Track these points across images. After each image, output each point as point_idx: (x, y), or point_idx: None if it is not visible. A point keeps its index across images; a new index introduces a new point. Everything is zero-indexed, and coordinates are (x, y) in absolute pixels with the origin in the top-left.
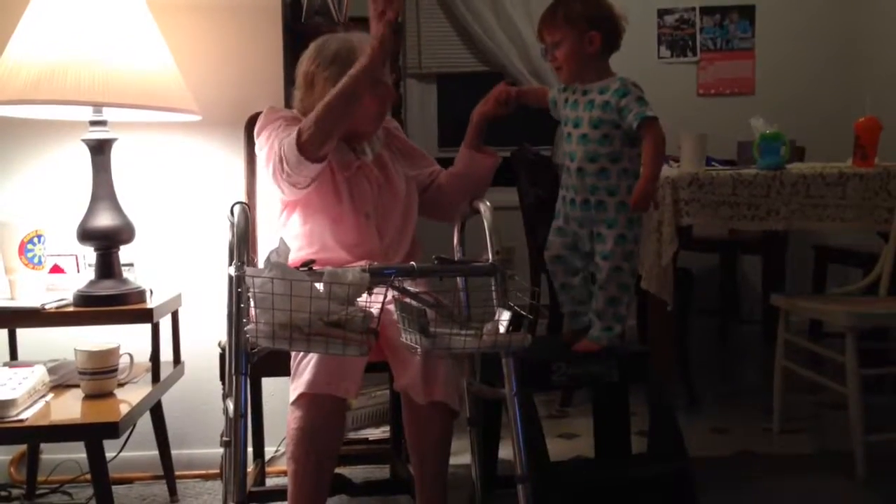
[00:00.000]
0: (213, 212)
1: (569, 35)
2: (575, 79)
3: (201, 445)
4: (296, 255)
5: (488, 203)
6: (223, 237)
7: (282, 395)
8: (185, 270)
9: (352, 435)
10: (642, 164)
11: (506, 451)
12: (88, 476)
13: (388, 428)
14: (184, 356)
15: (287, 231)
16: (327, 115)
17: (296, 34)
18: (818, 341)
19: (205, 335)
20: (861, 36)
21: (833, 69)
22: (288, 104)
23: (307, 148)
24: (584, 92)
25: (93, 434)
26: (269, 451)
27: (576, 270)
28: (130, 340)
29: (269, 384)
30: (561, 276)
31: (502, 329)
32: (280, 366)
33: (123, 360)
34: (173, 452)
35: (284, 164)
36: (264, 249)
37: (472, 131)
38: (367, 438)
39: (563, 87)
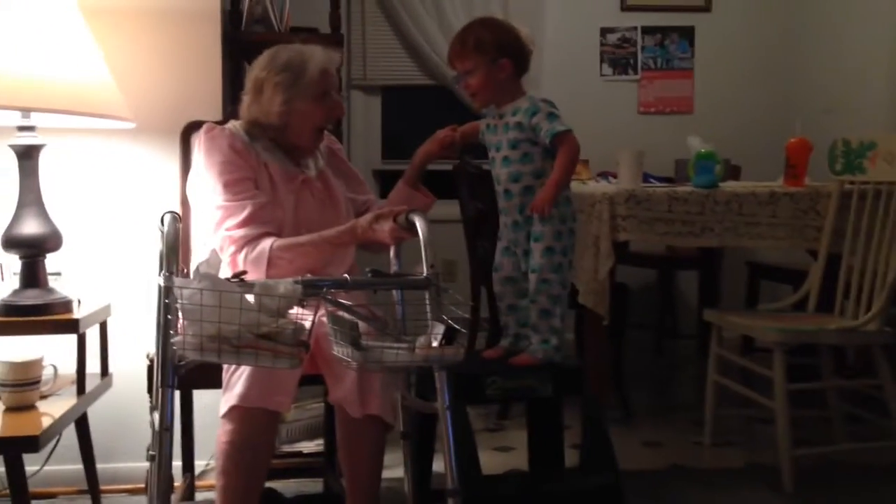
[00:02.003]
0: (145, 220)
1: (480, 63)
2: (489, 104)
3: (128, 459)
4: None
5: (423, 216)
6: (155, 247)
7: (214, 408)
8: (116, 280)
9: (286, 448)
10: (553, 171)
11: (439, 465)
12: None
13: (322, 441)
14: (112, 368)
15: None
16: (308, 254)
17: (235, 43)
18: (750, 356)
19: (135, 347)
20: (794, 60)
21: (768, 91)
22: (225, 113)
23: (275, 266)
24: (500, 116)
25: (11, 448)
26: (199, 464)
27: (524, 293)
28: (58, 352)
29: (201, 397)
30: (509, 297)
31: (435, 343)
32: (213, 378)
33: (47, 372)
34: (99, 466)
35: (244, 261)
36: (198, 260)
37: (413, 169)
38: (301, 451)
39: (485, 114)
